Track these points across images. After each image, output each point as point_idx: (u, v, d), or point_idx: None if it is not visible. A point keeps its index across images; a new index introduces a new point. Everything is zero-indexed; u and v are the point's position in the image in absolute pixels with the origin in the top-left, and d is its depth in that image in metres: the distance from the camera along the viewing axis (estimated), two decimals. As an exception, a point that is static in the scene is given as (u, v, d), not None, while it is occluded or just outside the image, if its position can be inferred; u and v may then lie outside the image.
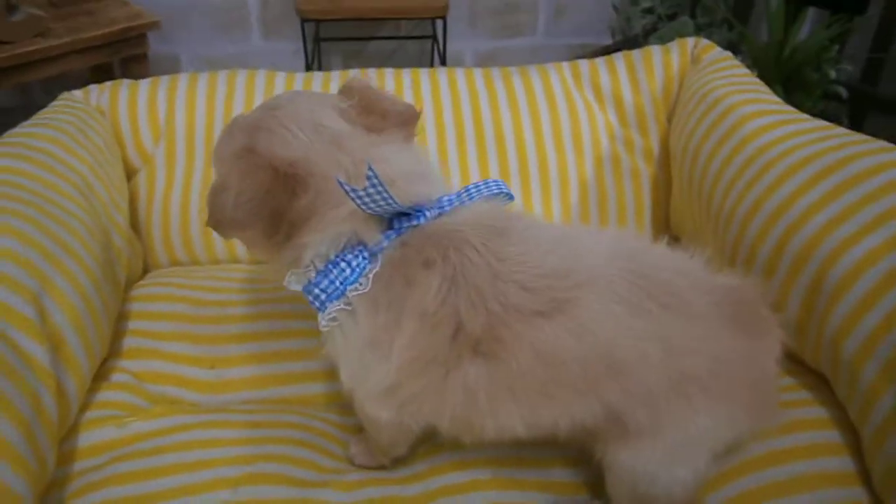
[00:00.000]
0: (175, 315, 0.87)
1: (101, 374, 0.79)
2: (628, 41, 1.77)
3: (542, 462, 0.73)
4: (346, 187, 0.55)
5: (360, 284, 0.59)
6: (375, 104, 0.64)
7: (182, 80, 1.04)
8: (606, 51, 1.79)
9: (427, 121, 1.04)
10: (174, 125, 1.01)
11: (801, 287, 0.73)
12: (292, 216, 0.59)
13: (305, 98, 0.66)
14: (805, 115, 0.88)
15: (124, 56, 1.62)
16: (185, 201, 1.00)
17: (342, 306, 0.60)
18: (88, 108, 0.98)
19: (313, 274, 0.60)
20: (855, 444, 0.68)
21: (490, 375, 0.57)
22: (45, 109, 0.95)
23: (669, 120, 1.06)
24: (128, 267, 0.90)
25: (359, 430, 0.78)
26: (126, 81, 1.04)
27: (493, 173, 1.04)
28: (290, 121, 0.61)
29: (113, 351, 0.82)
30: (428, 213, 0.60)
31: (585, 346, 0.57)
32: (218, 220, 0.60)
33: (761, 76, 1.07)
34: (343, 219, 0.59)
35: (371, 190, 0.55)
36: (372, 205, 0.56)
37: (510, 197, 0.66)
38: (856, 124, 1.47)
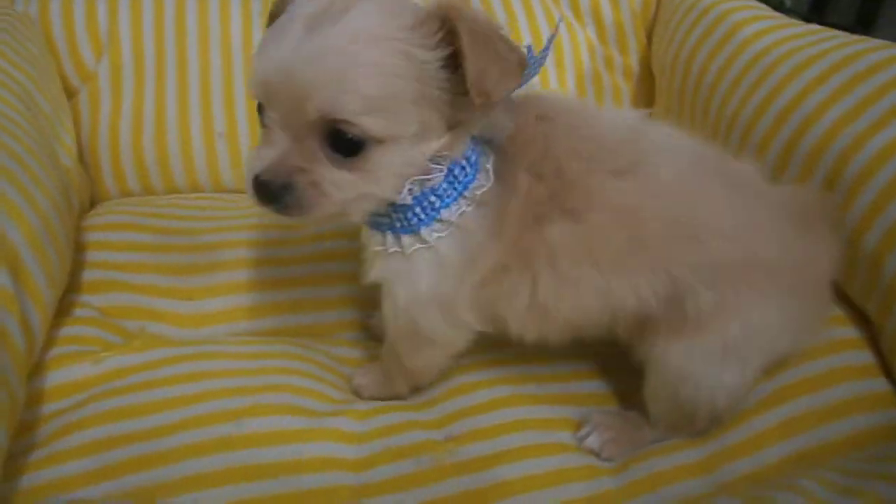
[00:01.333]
0: (140, 245, 0.77)
1: (60, 310, 0.69)
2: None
3: (560, 377, 0.70)
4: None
5: (466, 203, 0.56)
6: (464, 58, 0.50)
7: (123, -14, 0.92)
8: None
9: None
10: (118, 37, 0.90)
11: (816, 183, 0.72)
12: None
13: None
14: (797, 20, 0.86)
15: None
16: (137, 123, 0.89)
17: (463, 209, 0.56)
18: (17, 14, 0.85)
19: (409, 199, 0.55)
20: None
21: (575, 237, 0.56)
22: (-34, 15, 0.82)
23: (649, 38, 1.04)
24: (79, 191, 0.79)
25: (362, 363, 0.72)
26: (57, -13, 0.91)
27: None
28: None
29: (71, 285, 0.72)
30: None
31: (663, 206, 0.56)
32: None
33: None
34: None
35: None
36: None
37: None
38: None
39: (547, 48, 0.54)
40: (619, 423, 0.64)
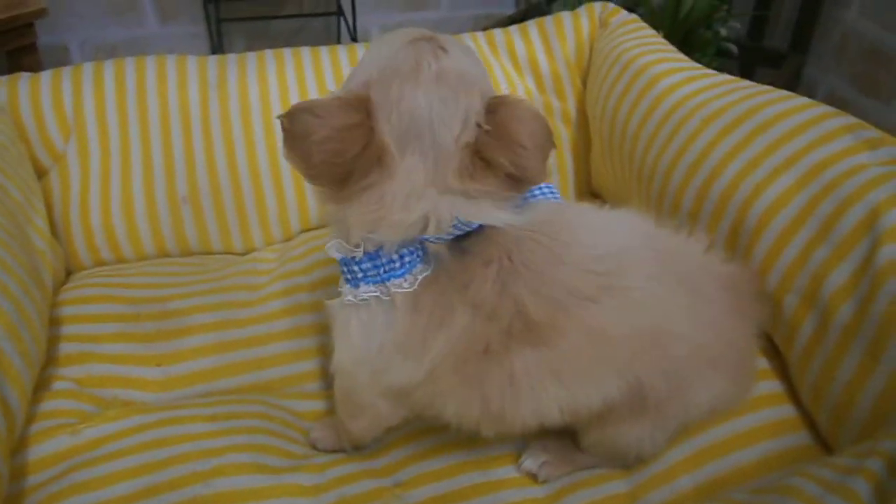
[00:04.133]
0: (112, 316, 0.84)
1: (39, 384, 0.75)
2: (532, 9, 1.81)
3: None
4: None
5: (406, 282, 0.57)
6: (503, 149, 0.54)
7: (87, 69, 0.98)
8: (511, 20, 1.82)
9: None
10: (84, 118, 0.96)
11: (724, 231, 0.79)
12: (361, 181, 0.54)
13: (438, 90, 0.55)
14: (710, 71, 0.94)
15: (11, 48, 1.50)
16: (105, 197, 0.96)
17: (378, 294, 0.58)
18: (-14, 105, 0.91)
19: (360, 253, 0.57)
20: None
21: (538, 363, 0.58)
22: (-62, 108, 0.88)
23: (584, 83, 1.11)
24: (52, 270, 0.85)
25: (320, 416, 0.78)
26: (25, 74, 0.97)
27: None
28: (409, 103, 0.54)
29: (48, 359, 0.78)
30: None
31: (632, 325, 0.60)
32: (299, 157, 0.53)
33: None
34: (405, 224, 0.55)
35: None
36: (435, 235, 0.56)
37: (562, 203, 0.69)
38: (747, 76, 1.58)
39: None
40: (555, 448, 0.71)
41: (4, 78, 0.96)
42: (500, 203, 0.56)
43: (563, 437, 0.72)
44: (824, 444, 0.69)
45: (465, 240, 0.58)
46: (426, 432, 0.74)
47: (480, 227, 0.58)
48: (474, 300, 0.57)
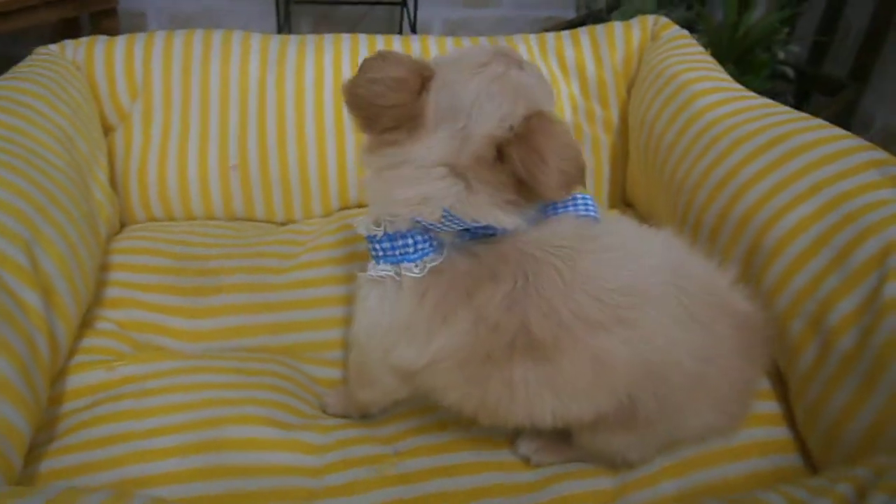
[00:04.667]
0: (156, 268, 0.90)
1: (86, 322, 0.83)
2: (591, 15, 1.83)
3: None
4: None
5: (416, 268, 0.60)
6: (521, 149, 0.56)
7: (158, 37, 1.05)
8: (570, 25, 1.84)
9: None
10: (151, 83, 1.03)
11: (741, 250, 0.81)
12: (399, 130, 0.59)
13: (490, 86, 0.59)
14: (752, 93, 0.95)
15: (93, 10, 1.60)
16: (163, 157, 1.03)
17: (392, 274, 0.62)
18: (65, 63, 0.99)
19: (381, 232, 0.62)
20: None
21: (537, 376, 0.61)
22: (23, 63, 0.96)
23: (629, 92, 1.12)
24: (108, 220, 0.92)
25: (334, 383, 0.83)
26: (102, 38, 1.05)
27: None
28: (460, 87, 0.59)
29: (97, 301, 0.86)
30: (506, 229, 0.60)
31: (637, 355, 0.61)
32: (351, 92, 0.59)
33: (715, 55, 1.13)
34: (404, 199, 0.60)
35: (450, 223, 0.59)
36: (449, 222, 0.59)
37: (595, 219, 0.66)
38: (801, 102, 1.56)
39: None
40: (550, 436, 0.73)
41: (84, 40, 1.04)
42: (503, 205, 0.58)
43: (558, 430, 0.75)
44: (813, 469, 0.70)
45: (478, 245, 0.61)
46: (429, 409, 0.78)
47: (494, 235, 0.61)
48: (479, 312, 0.59)
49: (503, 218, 0.58)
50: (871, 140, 0.80)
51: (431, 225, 0.60)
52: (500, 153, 0.58)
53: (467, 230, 0.61)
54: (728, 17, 1.37)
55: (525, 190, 0.57)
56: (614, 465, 0.72)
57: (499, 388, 0.62)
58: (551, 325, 0.59)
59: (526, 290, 0.59)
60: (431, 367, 0.63)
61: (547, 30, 1.61)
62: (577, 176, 0.57)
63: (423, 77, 0.60)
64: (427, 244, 0.61)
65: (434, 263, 0.61)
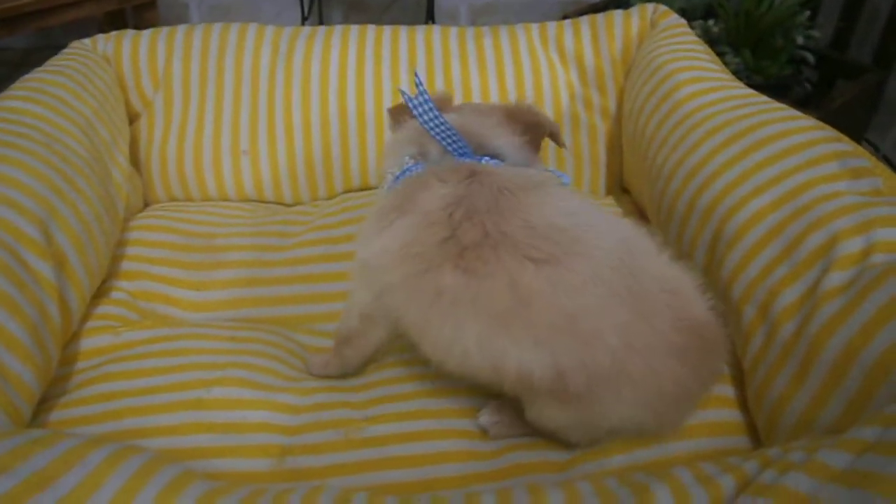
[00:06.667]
0: (167, 244, 0.99)
1: (101, 292, 0.92)
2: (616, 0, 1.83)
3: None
4: (406, 96, 0.75)
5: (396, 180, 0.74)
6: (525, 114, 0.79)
7: (180, 32, 1.14)
8: (594, 9, 1.84)
9: (402, 75, 1.14)
10: (171, 74, 1.12)
11: (706, 239, 0.83)
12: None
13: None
14: (737, 83, 0.96)
15: (135, 3, 1.72)
16: (181, 143, 1.12)
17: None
18: (95, 56, 1.09)
19: (390, 179, 0.76)
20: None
21: (461, 285, 0.63)
22: (57, 56, 1.06)
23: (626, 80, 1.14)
24: (127, 200, 1.02)
25: (322, 351, 0.90)
26: (129, 32, 1.14)
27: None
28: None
29: (113, 273, 0.95)
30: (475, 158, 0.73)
31: (558, 301, 0.61)
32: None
33: (732, 40, 1.13)
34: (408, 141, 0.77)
35: (420, 98, 0.73)
36: (426, 117, 0.73)
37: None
38: (825, 88, 1.52)
39: None
40: (509, 411, 0.78)
41: (112, 34, 1.14)
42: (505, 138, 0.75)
43: (519, 405, 0.80)
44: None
45: (442, 164, 0.72)
46: (401, 379, 0.84)
47: (459, 162, 0.72)
48: (424, 206, 0.67)
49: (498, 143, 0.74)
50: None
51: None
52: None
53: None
54: (746, 1, 1.35)
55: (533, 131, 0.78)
56: (564, 443, 0.76)
57: (429, 293, 0.64)
58: (476, 234, 0.63)
59: (465, 197, 0.66)
60: (387, 262, 0.68)
61: (570, 15, 1.63)
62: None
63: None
64: (420, 166, 0.73)
65: (412, 173, 0.72)
